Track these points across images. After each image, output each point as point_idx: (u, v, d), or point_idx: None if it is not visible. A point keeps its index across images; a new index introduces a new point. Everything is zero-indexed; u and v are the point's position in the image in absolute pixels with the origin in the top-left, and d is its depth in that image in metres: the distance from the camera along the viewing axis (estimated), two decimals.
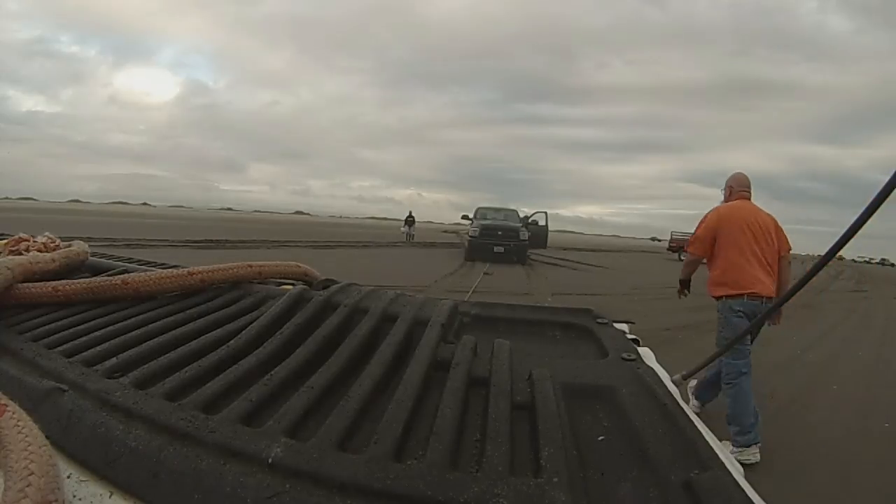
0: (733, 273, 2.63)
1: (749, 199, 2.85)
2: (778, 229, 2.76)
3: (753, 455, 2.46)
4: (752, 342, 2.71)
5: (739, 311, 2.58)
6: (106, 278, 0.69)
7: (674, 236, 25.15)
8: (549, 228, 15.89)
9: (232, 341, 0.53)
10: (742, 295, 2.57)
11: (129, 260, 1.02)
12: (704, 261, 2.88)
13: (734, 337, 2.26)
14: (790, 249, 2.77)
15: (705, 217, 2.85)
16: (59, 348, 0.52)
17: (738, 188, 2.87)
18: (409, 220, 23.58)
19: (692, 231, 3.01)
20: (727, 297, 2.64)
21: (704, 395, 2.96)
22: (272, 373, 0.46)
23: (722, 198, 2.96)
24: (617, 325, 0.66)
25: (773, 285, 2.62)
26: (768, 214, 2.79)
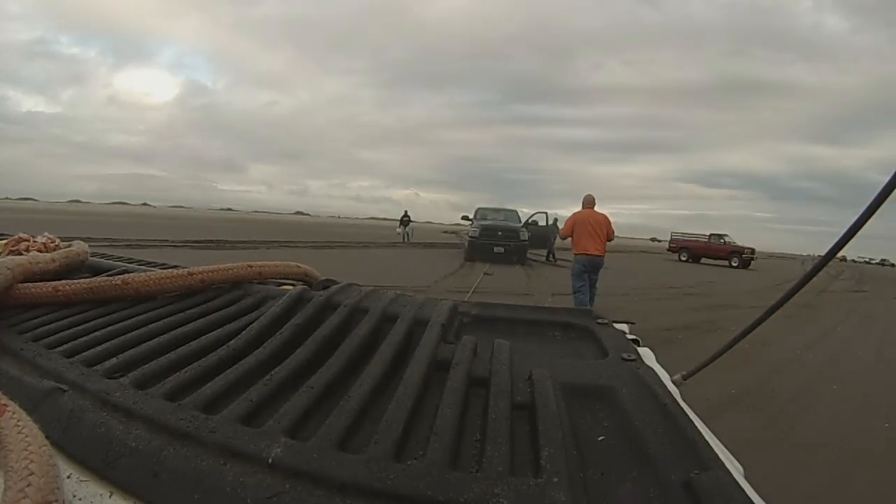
0: (581, 244, 5.46)
1: (592, 208, 5.60)
2: (607, 222, 5.49)
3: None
4: (593, 285, 5.66)
5: (581, 263, 5.48)
6: (106, 278, 0.69)
7: (674, 237, 25.05)
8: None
9: (232, 341, 0.53)
10: (583, 253, 5.45)
11: (129, 260, 1.02)
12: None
13: (574, 274, 5.50)
14: (612, 238, 5.59)
15: (569, 218, 5.70)
16: (59, 348, 0.52)
17: (586, 203, 5.65)
18: (405, 220, 22.26)
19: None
20: (577, 253, 5.51)
21: (585, 305, 5.48)
22: (272, 373, 0.46)
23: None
24: (617, 326, 0.66)
25: (602, 250, 5.44)
26: (602, 214, 5.53)
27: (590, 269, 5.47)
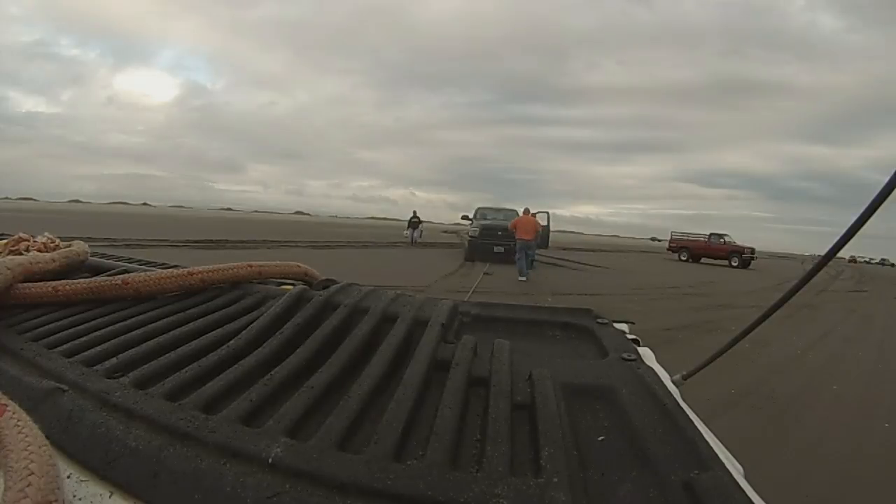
0: (519, 234, 10.21)
1: (526, 215, 10.74)
2: (535, 222, 10.74)
3: (522, 278, 9.89)
4: (529, 260, 10.71)
5: (519, 244, 10.22)
6: (106, 278, 0.69)
7: (674, 236, 25.03)
8: (549, 228, 15.96)
9: (232, 341, 0.53)
10: (520, 239, 10.20)
11: (129, 260, 1.02)
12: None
13: (517, 250, 10.44)
14: (538, 230, 10.83)
15: (513, 220, 10.95)
16: (59, 348, 0.52)
17: (523, 212, 10.92)
18: (414, 222, 19.79)
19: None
20: (518, 238, 10.27)
21: (523, 268, 10.12)
22: (272, 373, 0.46)
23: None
24: (617, 325, 0.66)
25: (530, 237, 10.30)
26: (533, 219, 10.78)
27: (524, 247, 10.14)
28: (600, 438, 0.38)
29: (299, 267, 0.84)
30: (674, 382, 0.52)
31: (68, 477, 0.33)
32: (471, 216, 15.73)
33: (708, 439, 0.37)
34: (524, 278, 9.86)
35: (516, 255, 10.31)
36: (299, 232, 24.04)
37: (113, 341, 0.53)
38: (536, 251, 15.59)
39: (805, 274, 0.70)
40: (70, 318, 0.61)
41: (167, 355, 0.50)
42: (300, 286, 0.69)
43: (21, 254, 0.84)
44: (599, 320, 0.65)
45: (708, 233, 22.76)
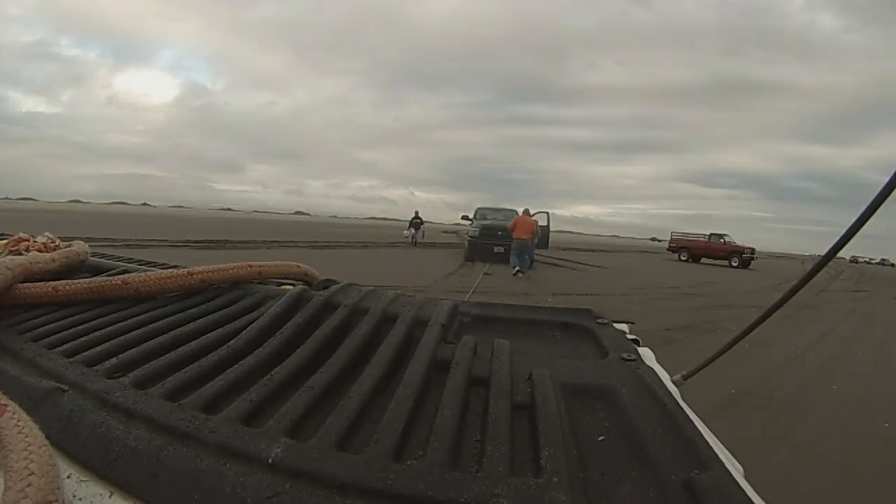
0: (517, 234, 10.79)
1: (525, 216, 11.34)
2: (533, 223, 11.43)
3: (514, 271, 10.58)
4: (528, 260, 11.44)
5: (517, 244, 10.84)
6: (106, 278, 0.69)
7: (674, 236, 25.02)
8: (549, 228, 15.98)
9: (232, 341, 0.53)
10: (518, 238, 10.79)
11: (129, 260, 1.02)
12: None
13: (513, 248, 11.06)
14: (535, 231, 11.40)
15: (512, 220, 11.36)
16: (60, 348, 0.52)
17: (522, 213, 11.57)
18: (416, 222, 19.37)
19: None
20: (515, 238, 10.86)
21: (520, 263, 10.81)
22: (272, 373, 0.46)
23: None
24: (617, 326, 0.66)
25: (528, 237, 10.91)
26: (531, 219, 11.51)
27: (522, 247, 10.77)
28: (600, 438, 0.38)
29: (299, 267, 0.84)
30: (674, 382, 0.52)
31: (68, 477, 0.33)
32: (471, 216, 15.74)
33: (708, 439, 0.37)
34: (518, 268, 10.54)
35: (512, 255, 10.90)
36: (299, 232, 24.01)
37: (113, 341, 0.53)
38: (536, 251, 15.82)
39: (805, 274, 0.70)
40: (70, 318, 0.61)
41: (167, 355, 0.50)
42: (300, 286, 0.69)
43: (21, 254, 0.84)
44: (599, 320, 0.65)
45: (708, 233, 22.76)
